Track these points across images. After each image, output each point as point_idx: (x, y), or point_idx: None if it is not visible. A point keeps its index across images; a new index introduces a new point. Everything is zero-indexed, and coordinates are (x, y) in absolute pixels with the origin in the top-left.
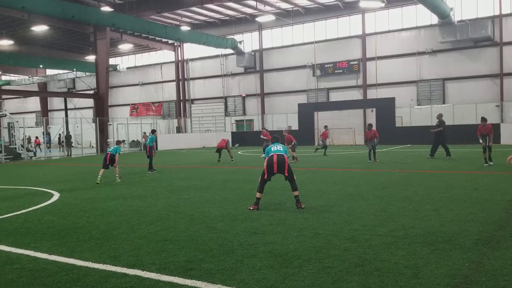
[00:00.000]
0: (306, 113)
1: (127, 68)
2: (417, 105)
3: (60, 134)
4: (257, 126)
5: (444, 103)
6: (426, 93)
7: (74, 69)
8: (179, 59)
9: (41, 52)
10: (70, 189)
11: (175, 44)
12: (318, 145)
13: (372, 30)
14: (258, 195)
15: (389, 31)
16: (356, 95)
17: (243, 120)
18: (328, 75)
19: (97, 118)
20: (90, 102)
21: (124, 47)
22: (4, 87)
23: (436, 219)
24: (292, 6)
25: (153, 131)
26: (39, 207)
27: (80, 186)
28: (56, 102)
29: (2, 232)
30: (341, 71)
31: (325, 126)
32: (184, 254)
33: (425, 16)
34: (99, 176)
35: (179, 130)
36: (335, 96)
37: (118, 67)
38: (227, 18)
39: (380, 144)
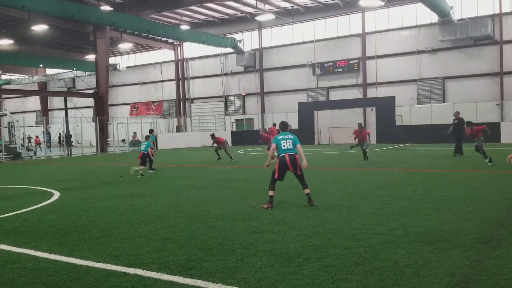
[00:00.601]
0: (306, 112)
1: (127, 67)
2: (417, 104)
3: (60, 134)
4: (257, 125)
5: (444, 101)
6: (426, 92)
7: (74, 69)
8: (179, 58)
9: (41, 52)
10: (70, 188)
11: (175, 43)
12: (356, 145)
13: (372, 28)
14: (270, 193)
15: (389, 30)
16: (356, 94)
17: (243, 119)
18: (328, 74)
19: (97, 117)
20: (90, 101)
21: (124, 46)
22: (4, 87)
23: (436, 218)
24: (292, 5)
25: (151, 131)
26: (39, 206)
27: (80, 185)
28: (56, 102)
29: (3, 231)
30: (341, 70)
31: (359, 124)
32: (184, 253)
33: (425, 14)
34: (140, 172)
35: (179, 129)
36: (335, 95)
37: (118, 66)
38: (226, 17)
39: (380, 143)
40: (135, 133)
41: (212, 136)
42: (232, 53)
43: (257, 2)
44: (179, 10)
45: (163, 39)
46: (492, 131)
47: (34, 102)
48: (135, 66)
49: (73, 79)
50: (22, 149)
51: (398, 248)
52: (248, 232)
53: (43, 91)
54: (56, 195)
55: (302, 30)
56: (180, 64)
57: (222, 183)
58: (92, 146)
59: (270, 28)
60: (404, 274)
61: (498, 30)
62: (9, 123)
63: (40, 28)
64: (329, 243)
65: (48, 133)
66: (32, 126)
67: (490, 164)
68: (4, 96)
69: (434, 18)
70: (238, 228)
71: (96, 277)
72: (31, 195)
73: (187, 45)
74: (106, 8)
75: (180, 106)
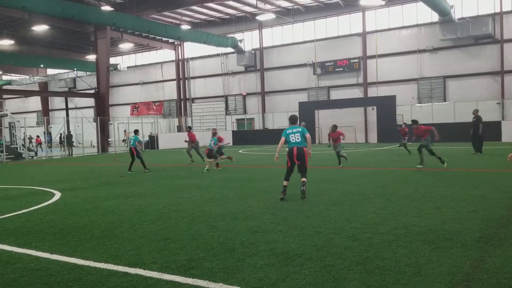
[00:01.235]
0: (306, 111)
1: (127, 67)
2: (418, 103)
3: (61, 134)
4: (257, 125)
5: (445, 100)
6: (426, 91)
7: (75, 69)
8: (180, 58)
9: (41, 52)
10: (71, 188)
11: (176, 43)
12: (402, 144)
13: (372, 28)
14: (284, 183)
15: (389, 29)
16: (357, 93)
17: (244, 119)
18: (329, 73)
19: (98, 117)
20: (91, 101)
21: (125, 46)
22: (5, 87)
23: (438, 217)
24: (292, 5)
25: (136, 131)
26: (40, 207)
27: (82, 185)
28: (57, 102)
29: (4, 231)
30: (341, 69)
31: (404, 123)
32: (186, 253)
33: (425, 13)
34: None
35: (180, 129)
36: (335, 94)
37: (118, 66)
38: (227, 16)
39: (381, 142)
40: (125, 131)
41: (188, 129)
42: (232, 52)
43: (258, 1)
44: (179, 10)
45: (164, 39)
46: (495, 130)
47: (35, 103)
48: (136, 66)
49: (74, 79)
50: (23, 150)
51: (400, 247)
52: (250, 231)
53: (44, 92)
54: (57, 195)
55: (302, 30)
56: (180, 64)
57: (223, 182)
58: (93, 146)
59: (271, 27)
60: (406, 273)
61: (498, 29)
62: (10, 123)
63: (40, 28)
64: (330, 243)
65: (49, 133)
66: (33, 127)
67: (444, 165)
68: (5, 96)
69: (435, 17)
70: (239, 227)
71: (97, 277)
72: (32, 196)
73: (187, 45)
74: (106, 8)
75: (181, 106)
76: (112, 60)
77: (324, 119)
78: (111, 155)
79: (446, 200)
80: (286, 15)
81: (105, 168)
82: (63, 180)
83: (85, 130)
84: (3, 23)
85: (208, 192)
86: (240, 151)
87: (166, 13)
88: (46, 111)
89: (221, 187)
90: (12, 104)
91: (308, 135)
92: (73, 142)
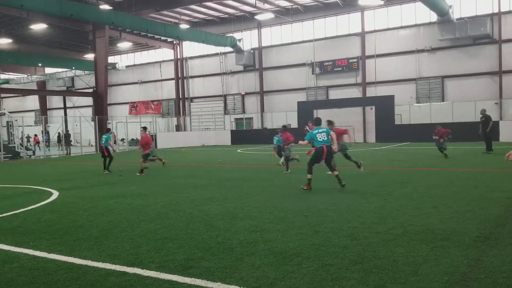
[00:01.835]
0: (305, 111)
1: (126, 66)
2: (416, 102)
3: (59, 133)
4: (256, 124)
5: (443, 100)
6: (425, 91)
7: (73, 68)
8: (178, 57)
9: (40, 51)
10: (69, 187)
11: (174, 42)
12: (442, 147)
13: (371, 28)
14: (308, 176)
15: (388, 29)
16: (355, 93)
17: (243, 118)
18: (327, 73)
19: (96, 116)
20: (89, 100)
21: (123, 45)
22: (3, 86)
23: (435, 216)
24: (291, 4)
25: (108, 130)
26: (38, 206)
27: (80, 184)
28: (55, 101)
29: (1, 231)
30: (340, 69)
31: (437, 126)
32: (184, 252)
33: (424, 13)
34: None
35: (178, 128)
36: (334, 94)
37: (117, 65)
38: (226, 16)
39: (379, 142)
40: (109, 129)
41: (142, 131)
42: (231, 52)
43: (257, 1)
44: (178, 9)
45: (163, 38)
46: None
47: (33, 102)
48: (134, 65)
49: (72, 78)
50: (21, 149)
51: (397, 247)
52: (248, 231)
53: (42, 90)
54: (55, 194)
55: (301, 29)
56: (179, 63)
57: (222, 182)
58: (91, 145)
59: (270, 27)
60: (403, 272)
61: (497, 29)
62: (8, 122)
63: (39, 27)
64: (328, 242)
65: (47, 133)
66: (31, 126)
67: (360, 170)
68: (3, 95)
69: (433, 17)
70: (237, 227)
71: (95, 276)
72: (30, 195)
73: (186, 44)
74: (105, 7)
75: (179, 105)
76: (111, 59)
77: (323, 118)
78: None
79: (443, 199)
80: (285, 14)
81: (103, 168)
82: (61, 179)
83: (83, 129)
84: (1, 22)
85: (206, 191)
86: (238, 150)
87: (164, 12)
88: (44, 110)
89: (220, 187)
90: (10, 103)
91: (332, 133)
92: (71, 141)
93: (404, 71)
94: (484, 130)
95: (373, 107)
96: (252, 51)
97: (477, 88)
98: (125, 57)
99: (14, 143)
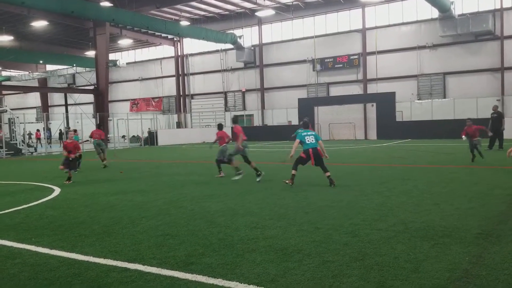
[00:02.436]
0: (306, 107)
1: (127, 63)
2: (418, 99)
3: (60, 130)
4: (257, 121)
5: (444, 97)
6: (426, 88)
7: (74, 65)
8: (179, 54)
9: (41, 48)
10: (71, 184)
11: (175, 39)
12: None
13: (372, 24)
14: (293, 172)
15: (389, 25)
16: (357, 89)
17: (243, 115)
18: (328, 69)
19: (97, 113)
20: (90, 97)
21: (124, 42)
22: (4, 83)
23: (436, 213)
24: (292, 1)
25: (75, 131)
26: (40, 202)
27: (81, 181)
28: (56, 98)
29: (4, 227)
30: (341, 65)
31: (468, 121)
32: (185, 248)
33: (425, 10)
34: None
35: (179, 125)
36: (335, 91)
37: (118, 62)
38: (226, 12)
39: (380, 138)
40: (75, 130)
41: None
42: (232, 49)
43: None
44: (179, 6)
45: (163, 35)
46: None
47: (34, 99)
48: (135, 62)
49: (73, 75)
50: (22, 145)
51: (398, 244)
52: (249, 227)
53: (43, 87)
54: (57, 191)
55: (302, 26)
56: (180, 60)
57: (223, 179)
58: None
59: (270, 23)
60: (404, 269)
61: (499, 26)
62: (9, 119)
63: (40, 24)
64: (329, 239)
65: (49, 129)
66: (32, 122)
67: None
68: (4, 92)
69: (435, 13)
70: (238, 223)
71: (96, 272)
72: (32, 191)
73: (187, 41)
74: (105, 4)
75: (180, 102)
76: (111, 56)
77: (324, 115)
78: (110, 151)
79: (444, 196)
80: (285, 11)
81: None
82: (63, 176)
83: (85, 126)
84: (2, 19)
85: (207, 188)
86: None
87: (165, 9)
88: (45, 107)
89: (220, 184)
90: (11, 100)
91: (321, 142)
92: None
93: (405, 68)
94: (496, 126)
95: (374, 104)
96: (252, 48)
97: (479, 84)
98: (126, 54)
99: (16, 140)
